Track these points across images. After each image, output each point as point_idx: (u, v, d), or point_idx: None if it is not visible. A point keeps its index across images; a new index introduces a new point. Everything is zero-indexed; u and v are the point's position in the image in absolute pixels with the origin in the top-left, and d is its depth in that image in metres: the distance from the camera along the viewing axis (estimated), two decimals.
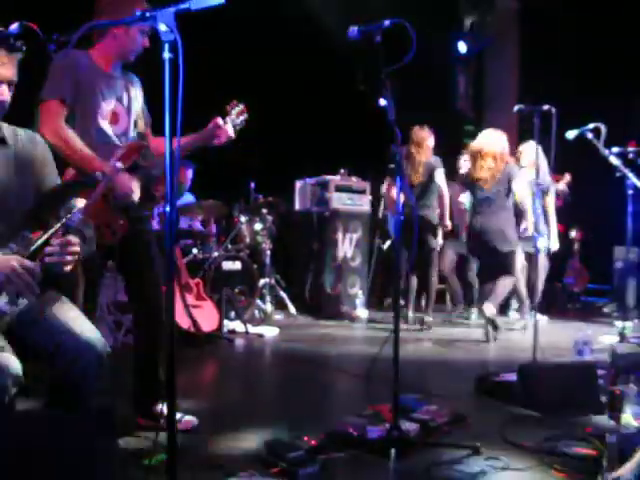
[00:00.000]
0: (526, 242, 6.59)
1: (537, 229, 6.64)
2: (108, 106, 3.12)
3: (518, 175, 6.28)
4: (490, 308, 5.90)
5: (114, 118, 3.15)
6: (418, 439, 3.11)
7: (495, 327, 5.91)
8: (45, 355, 2.16)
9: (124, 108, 3.19)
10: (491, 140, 6.28)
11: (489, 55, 10.15)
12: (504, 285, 6.19)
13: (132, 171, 3.01)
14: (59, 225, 2.07)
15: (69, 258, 2.08)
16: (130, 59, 3.20)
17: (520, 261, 6.83)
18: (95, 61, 3.13)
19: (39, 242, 2.06)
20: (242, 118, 3.36)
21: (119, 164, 2.52)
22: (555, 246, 7.14)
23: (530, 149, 6.70)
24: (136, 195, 2.99)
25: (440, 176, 6.77)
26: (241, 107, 3.36)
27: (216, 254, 6.16)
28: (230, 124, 3.30)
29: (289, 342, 5.74)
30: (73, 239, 2.09)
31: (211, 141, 3.29)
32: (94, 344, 2.17)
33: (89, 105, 3.06)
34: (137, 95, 3.30)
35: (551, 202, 7.17)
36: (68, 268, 2.09)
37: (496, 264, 6.29)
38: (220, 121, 3.27)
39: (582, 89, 8.38)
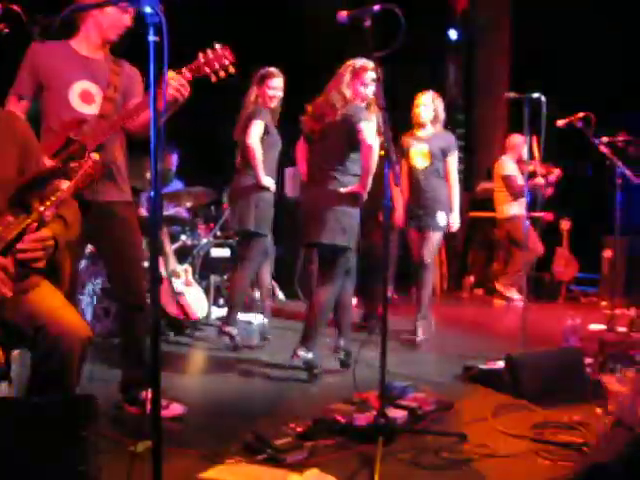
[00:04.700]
0: (422, 217, 5.45)
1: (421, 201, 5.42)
2: (80, 86, 3.10)
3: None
4: (303, 349, 4.08)
5: (87, 98, 3.12)
6: (405, 426, 3.11)
7: (311, 372, 4.09)
8: (27, 339, 2.14)
9: (101, 91, 3.14)
10: None
11: (480, 42, 10.11)
12: (319, 311, 4.17)
13: (67, 145, 2.97)
14: (32, 218, 2.05)
15: (41, 254, 2.09)
16: (111, 38, 3.17)
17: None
18: (73, 46, 3.15)
19: (12, 237, 2.03)
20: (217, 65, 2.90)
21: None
22: (456, 224, 5.50)
23: (427, 98, 5.50)
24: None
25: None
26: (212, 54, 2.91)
27: (205, 240, 6.14)
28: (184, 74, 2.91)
29: (278, 329, 5.72)
30: (45, 234, 2.08)
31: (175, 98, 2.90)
32: (76, 328, 2.15)
33: (57, 87, 3.08)
34: (127, 83, 3.23)
35: (452, 168, 5.52)
36: (41, 264, 2.10)
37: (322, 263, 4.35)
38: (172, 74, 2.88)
39: (574, 77, 8.36)
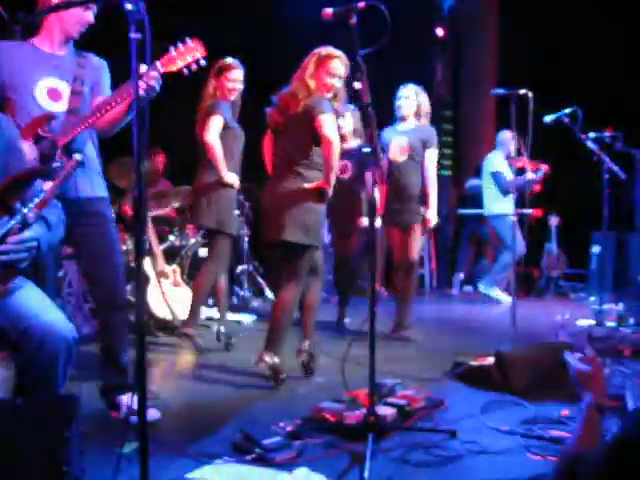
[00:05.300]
0: (402, 213, 5.39)
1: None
2: (46, 83, 3.06)
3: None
4: (269, 354, 3.93)
5: (55, 95, 3.08)
6: (395, 424, 3.10)
7: (277, 378, 3.91)
8: (11, 342, 2.12)
9: (69, 86, 3.11)
10: None
11: (468, 39, 10.11)
12: (283, 312, 4.00)
13: (36, 142, 2.95)
14: (15, 219, 2.03)
15: (24, 255, 2.07)
16: (73, 36, 3.13)
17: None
18: (36, 45, 3.10)
19: None
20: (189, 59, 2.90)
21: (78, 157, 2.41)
22: (433, 220, 5.39)
23: (409, 90, 5.47)
24: None
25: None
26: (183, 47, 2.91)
27: (193, 241, 6.12)
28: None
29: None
30: (27, 236, 2.06)
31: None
32: (61, 331, 2.14)
33: (23, 87, 3.02)
34: (93, 76, 3.19)
35: (431, 161, 5.40)
36: (24, 264, 2.08)
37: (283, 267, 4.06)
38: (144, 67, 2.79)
39: (561, 74, 8.39)
